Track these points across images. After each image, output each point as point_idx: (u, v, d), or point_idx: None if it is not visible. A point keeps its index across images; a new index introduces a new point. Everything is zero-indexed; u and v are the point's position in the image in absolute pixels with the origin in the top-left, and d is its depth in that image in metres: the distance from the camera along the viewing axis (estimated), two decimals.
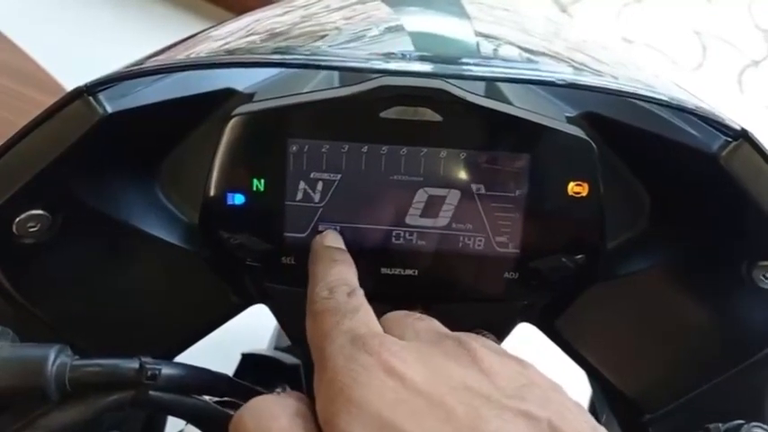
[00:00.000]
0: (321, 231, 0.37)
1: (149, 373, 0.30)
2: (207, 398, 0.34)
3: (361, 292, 0.31)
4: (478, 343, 0.28)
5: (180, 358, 0.41)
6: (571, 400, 0.26)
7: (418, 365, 0.25)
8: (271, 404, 0.26)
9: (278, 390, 0.57)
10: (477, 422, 0.23)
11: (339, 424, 0.24)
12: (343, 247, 0.36)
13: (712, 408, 0.38)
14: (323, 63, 0.33)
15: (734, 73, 2.21)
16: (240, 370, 0.72)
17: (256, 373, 0.69)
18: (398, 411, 0.23)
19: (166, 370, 0.31)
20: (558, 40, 0.45)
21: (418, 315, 0.31)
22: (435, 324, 0.30)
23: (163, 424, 0.51)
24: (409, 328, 0.29)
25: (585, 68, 0.37)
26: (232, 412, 0.36)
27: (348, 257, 0.35)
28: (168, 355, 0.40)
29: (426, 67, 0.32)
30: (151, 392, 0.31)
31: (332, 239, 0.36)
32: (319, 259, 0.35)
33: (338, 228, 0.37)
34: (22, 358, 0.29)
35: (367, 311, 0.29)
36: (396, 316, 0.31)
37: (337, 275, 0.33)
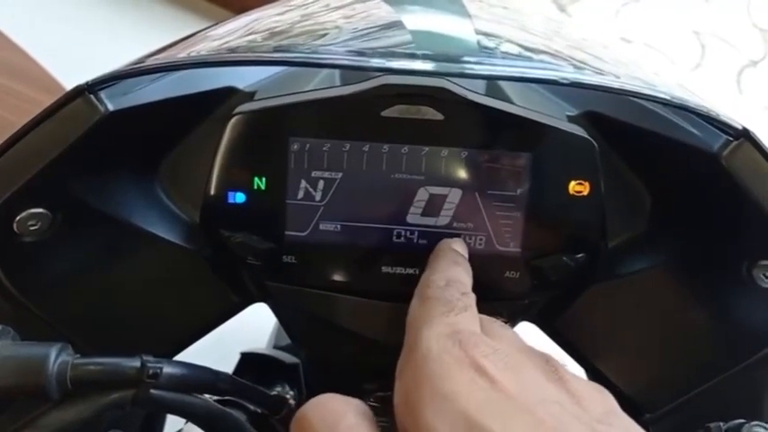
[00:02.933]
0: (322, 230, 0.37)
1: (151, 371, 0.30)
2: (207, 397, 0.34)
3: (473, 297, 0.31)
4: (562, 363, 0.27)
5: (179, 357, 0.41)
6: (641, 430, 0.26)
7: (509, 372, 0.25)
8: (336, 402, 0.26)
9: (278, 389, 0.57)
10: None
11: (424, 413, 0.23)
12: (466, 255, 0.36)
13: (712, 407, 0.39)
14: (325, 61, 0.33)
15: (732, 73, 2.21)
16: (239, 369, 0.71)
17: (255, 372, 0.69)
18: (487, 412, 0.23)
19: (168, 368, 0.31)
20: (558, 39, 0.45)
21: (502, 323, 0.31)
22: (518, 335, 0.30)
23: (162, 423, 0.51)
24: (497, 330, 0.29)
25: (586, 66, 0.37)
26: (232, 411, 0.37)
27: (469, 266, 0.35)
28: (168, 354, 0.40)
29: (428, 66, 0.31)
30: (152, 391, 0.31)
31: (460, 246, 0.37)
32: (443, 256, 0.35)
33: (339, 226, 0.37)
34: (23, 356, 0.29)
35: (474, 314, 0.29)
36: (488, 320, 0.31)
37: (457, 274, 0.33)
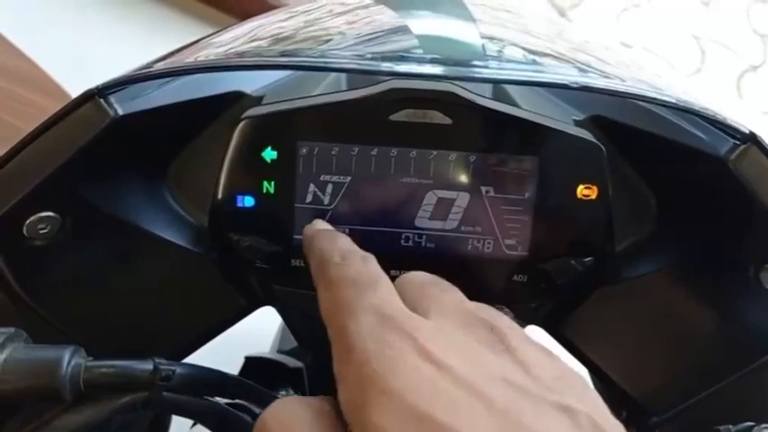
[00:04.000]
0: None
1: (163, 374, 0.30)
2: (218, 399, 0.34)
3: (373, 258, 0.29)
4: (508, 327, 0.26)
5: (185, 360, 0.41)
6: (594, 391, 0.25)
7: (454, 352, 0.24)
8: (294, 405, 0.25)
9: (282, 392, 0.57)
10: (519, 416, 0.22)
11: (370, 416, 0.22)
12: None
13: (720, 410, 0.39)
14: (334, 65, 0.33)
15: (732, 78, 2.21)
16: (243, 372, 0.71)
17: (260, 376, 0.69)
18: (435, 403, 0.22)
19: (180, 371, 0.31)
20: (561, 41, 0.45)
21: (440, 284, 0.29)
22: (459, 296, 0.29)
23: (168, 424, 0.51)
24: (434, 301, 0.27)
25: (590, 69, 0.37)
26: (242, 414, 0.37)
27: (348, 237, 0.33)
28: (176, 358, 0.40)
29: (437, 70, 0.32)
30: (165, 393, 0.31)
31: (322, 224, 0.35)
32: (319, 237, 0.33)
33: (347, 230, 0.38)
34: (36, 359, 0.29)
35: (387, 282, 0.28)
36: (415, 282, 0.29)
37: (345, 244, 0.31)
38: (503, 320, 0.27)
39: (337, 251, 0.30)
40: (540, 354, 0.26)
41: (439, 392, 0.22)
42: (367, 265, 0.28)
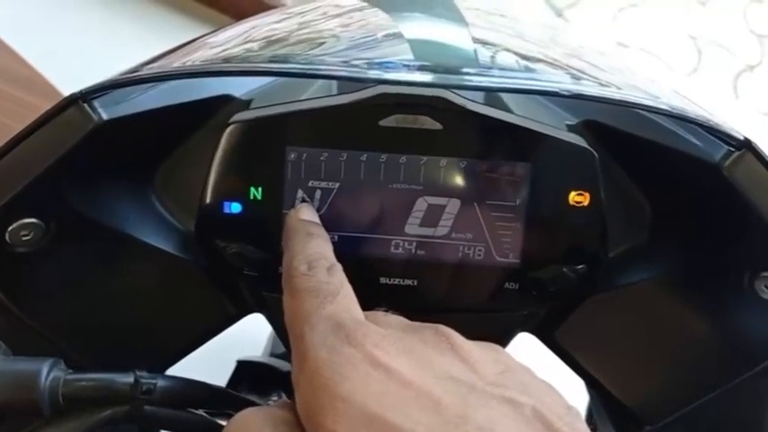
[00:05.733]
0: None
1: (144, 387, 0.30)
2: (202, 411, 0.34)
3: (339, 268, 0.30)
4: (454, 332, 0.27)
5: (175, 366, 0.40)
6: (543, 382, 0.26)
7: (402, 356, 0.25)
8: (255, 416, 0.26)
9: (274, 398, 0.57)
10: (465, 411, 0.23)
11: (324, 422, 0.23)
12: (318, 221, 0.35)
13: (713, 420, 0.38)
14: (322, 72, 0.32)
15: (729, 78, 2.21)
16: (235, 377, 0.71)
17: (252, 380, 0.68)
18: (386, 404, 0.23)
19: (162, 384, 0.30)
20: (555, 46, 0.45)
21: (384, 312, 0.30)
22: (403, 319, 0.30)
23: None
24: (381, 319, 0.29)
25: (583, 75, 0.36)
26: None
27: (324, 232, 0.34)
28: (164, 365, 0.40)
29: (427, 78, 0.31)
30: (146, 407, 0.30)
31: (307, 213, 0.35)
32: (295, 233, 0.33)
33: (336, 237, 0.37)
34: (14, 372, 0.28)
35: (347, 293, 0.29)
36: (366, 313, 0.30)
37: (315, 249, 0.32)
38: (447, 328, 0.28)
39: (305, 259, 0.30)
40: (485, 351, 0.27)
41: (388, 394, 0.24)
42: (331, 276, 0.29)
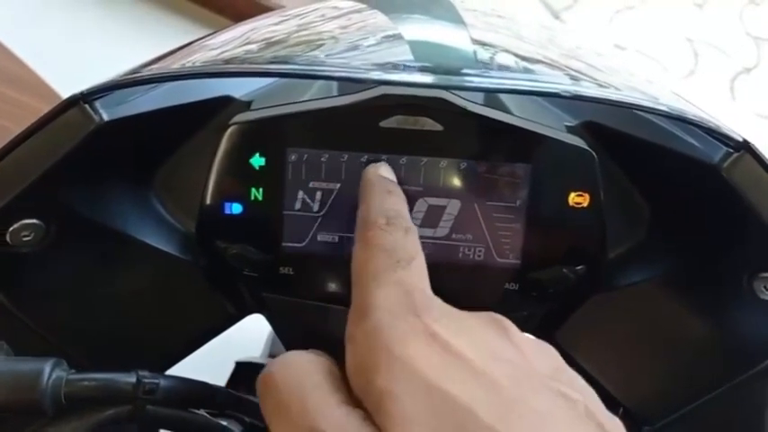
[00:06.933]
0: (320, 241, 0.37)
1: (147, 387, 0.30)
2: (203, 411, 0.34)
3: (416, 232, 0.30)
4: (509, 322, 0.27)
5: (173, 368, 0.40)
6: (591, 388, 0.26)
7: (461, 334, 0.25)
8: (304, 360, 0.26)
9: None
10: (523, 395, 0.23)
11: (378, 380, 0.23)
12: (396, 181, 0.35)
13: (713, 420, 0.38)
14: (323, 73, 0.32)
15: (725, 80, 2.22)
16: (234, 378, 0.71)
17: (250, 382, 0.68)
18: (445, 376, 0.23)
19: (164, 384, 0.30)
20: (553, 47, 0.45)
21: None
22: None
23: None
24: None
25: (582, 76, 0.36)
26: (228, 424, 0.36)
27: (402, 193, 0.33)
28: (163, 366, 0.40)
29: (428, 79, 0.31)
30: (148, 407, 0.30)
31: (386, 171, 0.35)
32: (372, 186, 0.33)
33: (336, 238, 0.37)
34: (16, 372, 0.28)
35: (421, 262, 0.28)
36: None
37: (394, 206, 0.31)
38: (500, 315, 0.28)
39: (384, 213, 0.30)
40: (538, 344, 0.27)
41: (448, 368, 0.23)
42: (407, 238, 0.29)
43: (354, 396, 0.24)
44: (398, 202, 0.32)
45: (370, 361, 0.24)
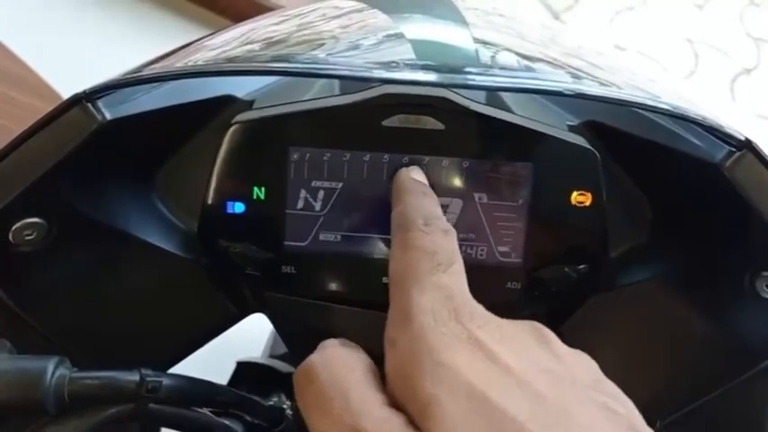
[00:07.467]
0: (322, 240, 0.37)
1: (150, 385, 0.30)
2: (206, 410, 0.34)
3: (455, 235, 0.30)
4: (550, 331, 0.27)
5: (174, 367, 0.40)
6: (631, 402, 0.26)
7: (504, 342, 0.24)
8: (346, 355, 0.25)
9: (274, 399, 0.57)
10: (567, 406, 0.23)
11: (422, 384, 0.23)
12: (428, 184, 0.34)
13: (714, 419, 0.38)
14: (326, 71, 0.32)
15: (726, 81, 2.22)
16: (235, 378, 0.71)
17: (252, 382, 0.68)
18: (489, 384, 0.23)
19: (167, 382, 0.30)
20: (554, 46, 0.45)
21: None
22: None
23: None
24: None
25: (583, 74, 0.36)
26: (230, 423, 0.36)
27: (436, 197, 0.33)
28: (165, 365, 0.40)
29: (431, 77, 0.31)
30: (151, 405, 0.30)
31: (419, 174, 0.35)
32: (407, 189, 0.33)
33: (339, 236, 0.37)
34: (19, 370, 0.28)
35: (460, 266, 0.28)
36: None
37: (431, 208, 0.31)
38: (540, 324, 0.28)
39: (422, 213, 0.30)
40: (579, 355, 0.27)
41: (492, 375, 0.23)
42: (446, 240, 0.29)
43: (394, 398, 0.24)
44: (434, 204, 0.32)
45: (414, 366, 0.23)
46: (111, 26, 1.75)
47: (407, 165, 0.36)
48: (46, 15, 1.70)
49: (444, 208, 0.37)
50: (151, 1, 1.83)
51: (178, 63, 0.36)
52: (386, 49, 0.35)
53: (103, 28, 1.74)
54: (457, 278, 0.27)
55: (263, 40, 0.38)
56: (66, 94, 0.33)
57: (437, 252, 0.28)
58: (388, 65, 0.32)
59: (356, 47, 0.35)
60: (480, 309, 0.26)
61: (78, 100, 0.32)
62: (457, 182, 0.37)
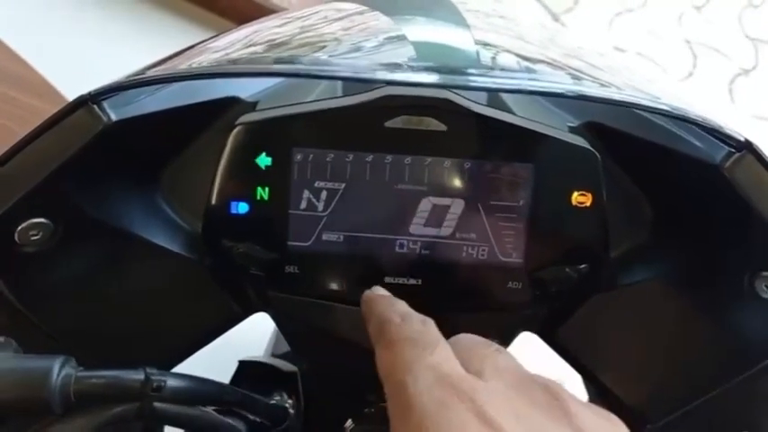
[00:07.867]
0: (325, 240, 0.37)
1: (155, 384, 0.30)
2: (209, 409, 0.34)
3: (432, 322, 0.29)
4: (566, 393, 0.26)
5: (177, 367, 0.41)
6: None
7: (511, 417, 0.24)
8: None
9: (276, 397, 0.57)
10: None
11: None
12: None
13: (714, 418, 0.39)
14: (329, 73, 0.33)
15: (724, 82, 2.22)
16: (237, 377, 0.71)
17: (254, 381, 0.68)
18: None
19: (172, 381, 0.30)
20: (554, 47, 0.45)
21: (496, 347, 0.29)
22: (514, 362, 0.28)
23: None
24: (488, 363, 0.27)
25: (583, 75, 0.37)
26: (234, 422, 0.36)
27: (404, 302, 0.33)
28: (169, 364, 0.40)
29: (433, 78, 0.32)
30: (156, 404, 0.30)
31: (380, 290, 0.35)
32: (378, 300, 0.33)
33: (342, 236, 0.37)
34: (26, 369, 0.28)
35: (445, 345, 0.28)
36: (470, 344, 0.29)
37: (403, 307, 0.31)
38: (558, 385, 0.26)
39: (397, 313, 0.30)
40: (599, 419, 0.25)
41: None
42: (426, 327, 0.29)
43: None
44: (405, 305, 0.32)
45: None
46: (111, 26, 1.75)
47: (409, 165, 0.36)
48: (46, 15, 1.70)
49: (446, 209, 0.37)
50: (151, 1, 1.83)
51: (182, 65, 0.36)
52: (388, 51, 0.35)
53: (103, 28, 1.74)
54: (445, 356, 0.27)
55: (267, 42, 0.38)
56: (66, 93, 0.33)
57: (420, 338, 0.28)
58: (390, 66, 0.32)
59: (358, 49, 0.35)
60: (481, 383, 0.25)
61: (84, 101, 0.33)
62: (459, 183, 0.37)
